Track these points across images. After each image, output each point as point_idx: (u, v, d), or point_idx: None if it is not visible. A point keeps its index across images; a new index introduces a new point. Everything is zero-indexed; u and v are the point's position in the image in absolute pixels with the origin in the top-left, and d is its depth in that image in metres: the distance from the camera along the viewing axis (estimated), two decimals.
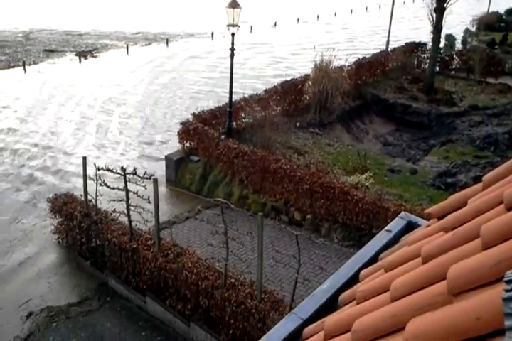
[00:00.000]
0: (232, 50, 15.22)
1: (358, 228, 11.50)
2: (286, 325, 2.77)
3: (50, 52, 32.63)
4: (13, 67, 29.27)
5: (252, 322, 8.30)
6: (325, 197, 11.93)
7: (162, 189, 13.62)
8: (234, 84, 15.59)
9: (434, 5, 22.06)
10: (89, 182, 11.03)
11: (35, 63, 30.05)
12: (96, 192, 10.92)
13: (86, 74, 28.04)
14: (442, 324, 1.39)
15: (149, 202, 10.07)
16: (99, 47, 34.17)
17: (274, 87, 19.01)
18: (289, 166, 12.99)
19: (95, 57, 31.91)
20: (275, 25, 45.92)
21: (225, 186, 14.12)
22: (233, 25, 15.06)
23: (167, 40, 35.81)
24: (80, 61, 30.89)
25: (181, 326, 9.23)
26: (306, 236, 10.01)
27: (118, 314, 9.64)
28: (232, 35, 15.08)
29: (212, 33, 38.54)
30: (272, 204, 13.10)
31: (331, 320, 2.38)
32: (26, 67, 28.68)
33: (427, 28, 23.13)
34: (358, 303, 2.37)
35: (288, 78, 19.73)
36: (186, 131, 15.78)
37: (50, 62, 30.39)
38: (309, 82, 19.89)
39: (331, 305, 2.79)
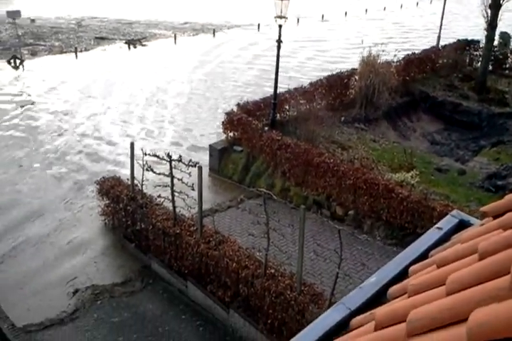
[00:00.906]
0: (279, 41, 15.25)
1: (402, 227, 11.36)
2: (334, 314, 2.84)
3: (100, 39, 33.57)
4: (65, 52, 30.34)
5: (291, 313, 8.41)
6: (368, 193, 11.85)
7: (205, 177, 13.84)
8: (279, 77, 15.63)
9: (490, 1, 21.25)
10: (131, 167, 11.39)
11: (86, 50, 31.02)
12: (142, 177, 11.25)
13: (134, 62, 28.71)
14: (507, 314, 1.45)
15: (193, 189, 10.32)
16: (147, 36, 34.84)
17: (320, 80, 18.91)
18: (332, 160, 12.96)
19: (144, 45, 32.59)
20: (323, 18, 45.39)
21: (267, 177, 14.25)
22: (281, 17, 15.07)
23: (214, 30, 36.12)
24: (129, 49, 31.64)
25: (221, 312, 9.47)
26: (349, 232, 10.02)
27: (160, 296, 9.98)
28: (280, 26, 15.10)
29: (259, 25, 38.53)
30: (313, 197, 13.13)
31: (383, 311, 2.44)
32: (78, 53, 29.65)
33: (483, 25, 22.32)
34: (409, 296, 2.43)
35: (334, 72, 19.57)
36: (230, 121, 15.98)
37: (100, 49, 31.28)
38: (356, 77, 19.65)
39: (378, 298, 2.85)
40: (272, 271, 9.22)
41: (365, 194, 12.00)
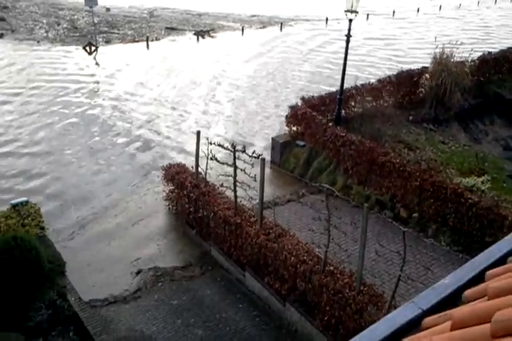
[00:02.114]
0: (348, 36, 14.98)
1: (469, 234, 10.88)
2: (405, 312, 2.83)
3: (171, 29, 34.36)
4: (137, 41, 31.34)
5: (349, 312, 8.31)
6: (435, 196, 11.44)
7: (266, 169, 13.82)
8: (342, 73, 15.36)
9: None
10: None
11: (157, 39, 31.88)
12: (206, 166, 11.45)
13: (203, 53, 29.21)
14: None
15: (255, 181, 10.39)
16: (216, 27, 35.30)
17: (389, 77, 18.39)
18: (398, 160, 12.60)
19: (212, 37, 33.07)
20: (393, 14, 44.05)
21: (328, 174, 14.10)
22: (351, 11, 14.79)
23: (281, 23, 36.00)
24: (198, 40, 32.21)
25: (277, 305, 9.51)
26: (414, 234, 9.73)
27: (218, 283, 10.17)
28: (350, 21, 14.81)
29: (327, 19, 38.00)
30: (376, 197, 12.85)
31: (461, 312, 2.43)
32: (149, 42, 30.52)
33: None
34: (489, 299, 2.41)
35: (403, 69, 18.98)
36: (294, 115, 15.90)
37: (170, 40, 32.07)
38: (427, 75, 18.95)
39: (452, 300, 2.83)
40: (331, 268, 9.13)
41: (432, 197, 11.59)
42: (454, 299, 2.79)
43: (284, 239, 9.95)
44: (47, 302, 8.72)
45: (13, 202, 11.23)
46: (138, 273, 10.41)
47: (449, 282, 2.95)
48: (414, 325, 2.73)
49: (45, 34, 32.82)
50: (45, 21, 36.25)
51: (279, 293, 9.49)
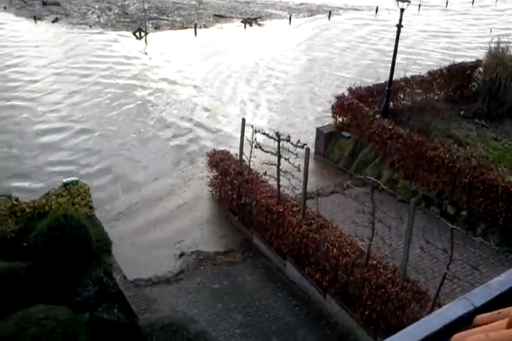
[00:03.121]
0: (399, 26, 14.60)
1: None
2: (456, 309, 2.76)
3: (219, 17, 34.38)
4: (185, 28, 31.57)
5: (391, 308, 8.22)
6: (485, 195, 11.06)
7: (310, 160, 13.86)
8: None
9: None
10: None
11: (205, 26, 32.01)
12: (250, 153, 11.49)
13: (249, 40, 29.14)
14: None
15: (299, 170, 10.35)
16: (263, 15, 35.03)
17: (440, 69, 17.78)
18: (447, 156, 12.24)
19: (260, 25, 32.88)
20: (446, 5, 42.36)
21: (374, 167, 13.86)
22: (403, 1, 14.42)
23: (329, 12, 35.35)
24: (245, 28, 32.12)
25: (317, 296, 9.51)
26: (462, 232, 9.47)
27: (258, 271, 10.26)
28: (401, 10, 14.42)
29: (377, 8, 36.99)
30: (423, 193, 12.55)
31: None
32: (197, 29, 30.71)
33: None
34: None
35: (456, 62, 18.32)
36: (340, 106, 15.68)
37: (218, 27, 32.12)
38: (480, 69, 18.22)
39: (506, 298, 2.76)
40: (374, 262, 9.03)
41: (482, 195, 11.22)
42: (508, 297, 2.72)
43: (326, 230, 9.90)
44: (94, 279, 9.03)
45: (64, 180, 11.62)
46: (181, 255, 10.64)
47: (503, 279, 2.87)
48: (465, 322, 2.67)
49: (97, 19, 33.54)
50: (97, 6, 36.99)
51: (320, 284, 9.48)
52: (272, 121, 18.36)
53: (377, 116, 14.79)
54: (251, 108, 19.58)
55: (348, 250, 9.33)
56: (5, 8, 35.75)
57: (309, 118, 18.78)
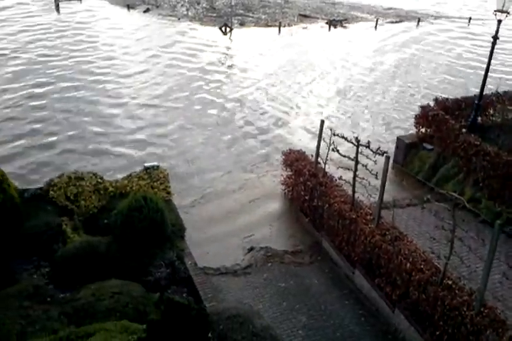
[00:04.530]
0: (495, 38, 13.88)
1: None
2: None
3: (303, 17, 34.33)
4: (270, 26, 31.83)
5: (464, 332, 7.83)
6: None
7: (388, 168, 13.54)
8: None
9: None
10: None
11: (289, 25, 32.09)
12: (326, 156, 11.35)
13: (332, 42, 28.85)
14: None
15: (376, 178, 10.07)
16: (349, 17, 34.57)
17: None
18: None
19: (344, 27, 32.46)
20: None
21: (456, 183, 13.27)
22: (502, 12, 13.68)
23: (418, 19, 34.21)
24: (330, 29, 31.83)
25: (385, 309, 9.25)
26: None
27: (326, 275, 10.14)
28: (499, 22, 13.71)
29: (470, 19, 35.33)
30: (508, 215, 11.86)
31: None
32: (281, 27, 30.84)
33: None
34: None
35: None
36: (424, 116, 15.17)
37: (302, 27, 32.07)
38: None
39: None
40: (450, 282, 8.64)
41: None
42: None
43: (400, 243, 9.60)
44: (166, 261, 9.31)
45: (146, 164, 12.10)
46: (250, 250, 10.73)
47: None
48: None
49: (185, 12, 34.56)
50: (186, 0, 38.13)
51: (390, 297, 9.20)
52: (346, 125, 18.08)
53: (464, 130, 14.17)
54: (327, 110, 19.41)
55: (422, 266, 9.00)
56: None
57: (388, 126, 18.32)
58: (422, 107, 15.44)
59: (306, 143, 15.58)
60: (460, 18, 36.28)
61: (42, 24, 29.39)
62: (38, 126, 16.79)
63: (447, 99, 15.79)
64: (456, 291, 8.40)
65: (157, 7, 35.45)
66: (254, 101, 19.75)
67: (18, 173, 13.56)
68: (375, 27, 32.56)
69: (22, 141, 15.70)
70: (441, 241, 9.19)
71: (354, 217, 10.44)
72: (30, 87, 20.02)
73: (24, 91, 19.52)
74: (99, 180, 11.41)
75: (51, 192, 10.57)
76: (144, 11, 34.06)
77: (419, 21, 33.96)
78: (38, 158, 14.83)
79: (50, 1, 34.62)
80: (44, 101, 18.76)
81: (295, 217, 12.21)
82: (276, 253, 10.67)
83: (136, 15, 33.23)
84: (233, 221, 11.74)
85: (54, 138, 16.02)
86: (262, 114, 18.69)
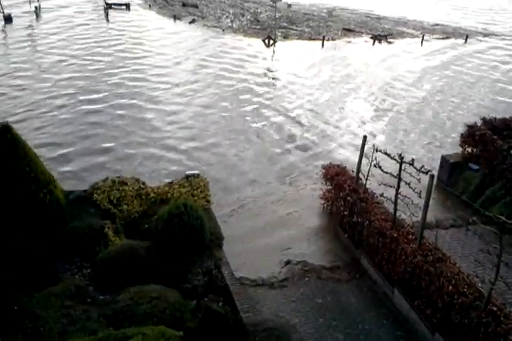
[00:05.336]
0: None
1: None
2: None
3: (347, 31, 34.28)
4: (313, 39, 31.95)
5: None
6: None
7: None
8: None
9: None
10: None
11: (332, 39, 32.10)
12: (368, 172, 11.20)
13: (376, 57, 28.60)
14: None
15: (419, 196, 9.84)
16: (394, 33, 34.28)
17: None
18: None
19: (389, 42, 32.18)
20: None
21: (502, 206, 12.81)
22: None
23: (466, 36, 33.55)
24: (374, 44, 31.62)
25: (425, 331, 8.96)
26: None
27: (364, 293, 9.93)
28: None
29: None
30: None
31: None
32: (324, 41, 30.88)
33: None
34: None
35: None
36: (471, 136, 14.77)
37: (346, 41, 32.01)
38: None
39: None
40: (494, 308, 8.30)
41: None
42: None
43: (443, 264, 9.31)
44: (204, 269, 9.33)
45: (187, 172, 12.24)
46: (287, 263, 10.65)
47: None
48: None
49: (230, 24, 35.14)
50: (231, 11, 38.79)
51: (429, 319, 8.92)
52: (389, 141, 17.82)
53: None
54: (370, 126, 19.21)
55: (465, 289, 8.69)
56: (149, 6, 38.91)
57: (432, 144, 17.97)
58: (469, 126, 15.07)
59: (347, 157, 15.47)
60: (510, 35, 35.36)
61: (93, 32, 30.57)
62: (94, 131, 17.40)
63: (495, 118, 15.38)
64: (502, 318, 8.07)
65: (202, 18, 36.23)
66: (298, 115, 19.78)
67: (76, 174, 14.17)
68: (421, 43, 32.13)
69: (79, 146, 16.30)
70: (486, 265, 8.90)
71: (395, 235, 10.21)
72: (84, 92, 20.79)
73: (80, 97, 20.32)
74: (141, 185, 11.61)
75: (95, 195, 10.82)
76: (190, 22, 34.86)
77: (467, 38, 33.30)
78: (94, 160, 15.33)
79: (99, 7, 36.12)
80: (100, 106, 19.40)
81: (334, 233, 12.05)
82: (313, 268, 10.54)
83: (182, 26, 34.02)
84: (270, 233, 11.70)
85: (112, 144, 16.57)
86: (303, 127, 18.69)
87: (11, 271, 8.27)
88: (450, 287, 8.80)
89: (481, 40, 33.59)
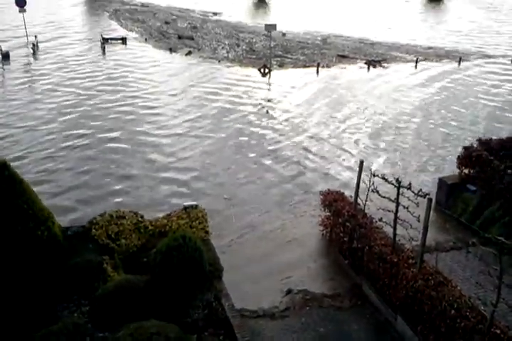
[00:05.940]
0: None
1: None
2: None
3: (342, 57, 34.94)
4: (308, 67, 32.51)
5: None
6: None
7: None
8: None
9: None
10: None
11: (327, 66, 32.65)
12: (366, 197, 11.23)
13: (371, 82, 29.03)
14: None
15: (418, 221, 9.86)
16: (388, 58, 34.88)
17: None
18: None
19: (384, 67, 32.72)
20: None
21: (501, 226, 12.77)
22: None
23: (460, 58, 34.10)
24: (368, 69, 32.16)
25: None
26: None
27: (366, 320, 9.81)
28: None
29: None
30: None
31: None
32: (319, 68, 31.45)
33: None
34: None
35: None
36: (467, 157, 14.88)
37: (340, 67, 32.57)
38: None
39: None
40: (498, 331, 8.19)
41: None
42: None
43: (444, 288, 9.24)
44: (204, 302, 9.27)
45: (185, 204, 12.31)
46: (288, 292, 10.56)
47: None
48: None
49: (226, 54, 35.89)
50: (227, 42, 39.66)
51: None
52: (386, 165, 17.91)
53: (510, 171, 13.77)
54: (367, 154, 19.32)
55: (468, 313, 8.60)
56: (146, 39, 39.86)
57: (428, 166, 18.06)
58: (465, 148, 15.21)
59: (346, 181, 15.52)
60: (503, 56, 35.86)
61: (91, 67, 31.23)
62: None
63: (491, 139, 15.56)
64: None
65: (198, 50, 37.01)
66: (295, 142, 19.96)
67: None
68: (415, 66, 32.67)
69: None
70: (487, 287, 8.82)
71: (396, 260, 10.18)
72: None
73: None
74: (139, 218, 11.67)
75: (93, 231, 10.86)
76: (186, 54, 35.61)
77: (460, 60, 33.82)
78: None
79: (94, 42, 37.03)
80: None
81: (333, 259, 12.00)
82: (314, 297, 10.44)
83: (178, 59, 34.75)
84: (270, 261, 11.65)
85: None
86: (301, 154, 18.84)
87: (10, 312, 8.25)
88: (452, 311, 8.72)
89: (474, 63, 34.05)
